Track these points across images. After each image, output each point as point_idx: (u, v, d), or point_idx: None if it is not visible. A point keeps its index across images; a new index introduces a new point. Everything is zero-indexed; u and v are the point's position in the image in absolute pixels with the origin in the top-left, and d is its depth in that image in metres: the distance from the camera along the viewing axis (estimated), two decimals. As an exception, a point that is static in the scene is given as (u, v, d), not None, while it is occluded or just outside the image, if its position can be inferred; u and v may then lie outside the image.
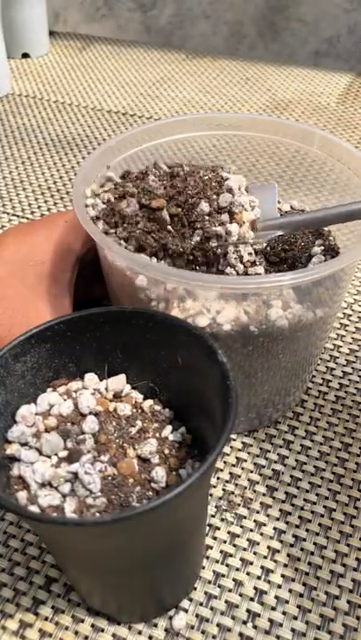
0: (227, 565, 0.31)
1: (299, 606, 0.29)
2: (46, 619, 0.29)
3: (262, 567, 0.31)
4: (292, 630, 0.28)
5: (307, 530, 0.32)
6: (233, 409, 0.23)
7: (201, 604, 0.29)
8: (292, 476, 0.35)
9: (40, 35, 0.86)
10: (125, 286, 0.32)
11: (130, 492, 0.24)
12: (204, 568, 0.30)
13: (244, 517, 0.33)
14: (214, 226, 0.31)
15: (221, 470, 0.35)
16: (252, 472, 0.35)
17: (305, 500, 0.34)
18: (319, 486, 0.34)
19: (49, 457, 0.26)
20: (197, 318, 0.30)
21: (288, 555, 0.31)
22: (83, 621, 0.29)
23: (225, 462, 0.35)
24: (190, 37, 1.00)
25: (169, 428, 0.28)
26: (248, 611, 0.29)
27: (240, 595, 0.30)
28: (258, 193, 0.34)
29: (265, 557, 0.31)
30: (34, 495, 0.24)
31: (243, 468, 0.35)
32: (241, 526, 0.32)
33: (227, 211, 0.32)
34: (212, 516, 0.33)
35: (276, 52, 0.96)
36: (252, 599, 0.29)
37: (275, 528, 0.32)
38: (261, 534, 0.32)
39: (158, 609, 0.29)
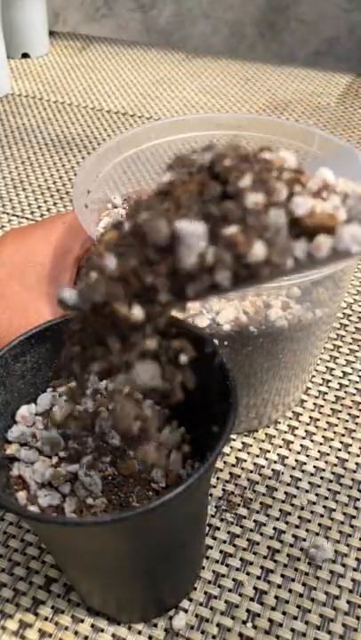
0: (227, 565, 0.31)
1: (299, 606, 0.29)
2: (46, 619, 0.29)
3: (262, 567, 0.31)
4: (292, 630, 0.28)
5: (307, 530, 0.32)
6: (233, 409, 0.23)
7: (201, 604, 0.29)
8: (292, 476, 0.35)
9: (40, 35, 0.86)
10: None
11: (130, 492, 0.25)
12: (204, 568, 0.30)
13: (244, 517, 0.33)
14: None
15: (221, 470, 0.35)
16: (252, 472, 0.35)
17: (305, 500, 0.34)
18: (319, 486, 0.34)
19: (49, 457, 0.26)
20: (197, 318, 0.30)
21: (288, 555, 0.31)
22: (82, 621, 0.29)
23: (225, 462, 0.35)
24: (190, 37, 1.00)
25: (168, 427, 0.27)
26: (248, 611, 0.29)
27: (240, 595, 0.30)
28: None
29: (265, 557, 0.31)
30: (33, 495, 0.24)
31: (243, 468, 0.35)
32: (241, 526, 0.32)
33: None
34: (212, 516, 0.33)
35: (276, 52, 0.96)
36: (252, 599, 0.29)
37: (275, 528, 0.32)
38: (261, 534, 0.32)
39: (158, 609, 0.29)
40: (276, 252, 0.17)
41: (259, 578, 0.30)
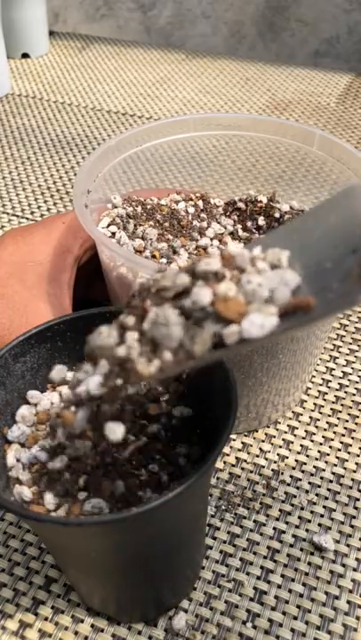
0: (227, 565, 0.31)
1: (299, 606, 0.29)
2: (46, 619, 0.29)
3: (262, 567, 0.31)
4: (292, 630, 0.28)
5: (307, 530, 0.32)
6: (233, 409, 0.23)
7: (201, 604, 0.29)
8: (291, 477, 0.35)
9: (40, 35, 0.86)
10: (125, 286, 0.32)
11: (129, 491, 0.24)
12: (203, 568, 0.30)
13: (244, 517, 0.33)
14: None
15: (221, 470, 0.35)
16: (251, 472, 0.35)
17: (305, 500, 0.34)
18: (319, 486, 0.34)
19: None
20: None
21: (288, 555, 0.31)
22: (82, 621, 0.29)
23: (225, 462, 0.35)
24: (190, 37, 1.00)
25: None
26: (248, 611, 0.29)
27: (240, 595, 0.30)
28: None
29: (265, 557, 0.31)
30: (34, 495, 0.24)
31: (243, 468, 0.35)
32: (241, 526, 0.32)
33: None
34: (212, 516, 0.33)
35: (275, 52, 0.96)
36: (252, 599, 0.29)
37: (275, 528, 0.32)
38: (261, 534, 0.32)
39: (158, 609, 0.29)
40: (190, 344, 0.18)
41: (259, 578, 0.30)
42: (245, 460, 0.35)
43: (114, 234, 0.34)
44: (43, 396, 0.27)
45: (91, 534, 0.22)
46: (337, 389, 0.40)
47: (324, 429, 0.37)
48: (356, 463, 0.35)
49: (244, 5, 0.93)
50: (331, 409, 0.39)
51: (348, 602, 0.29)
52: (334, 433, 0.37)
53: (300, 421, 0.38)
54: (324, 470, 0.35)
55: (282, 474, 0.35)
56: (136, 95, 0.77)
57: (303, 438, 0.37)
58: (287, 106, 0.75)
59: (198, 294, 0.18)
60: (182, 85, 0.80)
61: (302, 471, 0.35)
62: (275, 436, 0.37)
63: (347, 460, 0.36)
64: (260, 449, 0.36)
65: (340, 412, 0.38)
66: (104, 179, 0.37)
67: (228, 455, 0.36)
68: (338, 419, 0.38)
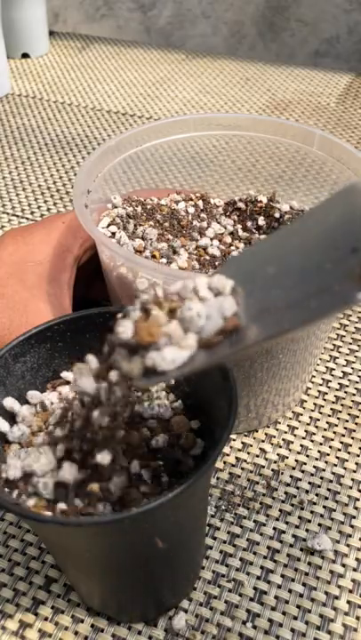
0: (227, 565, 0.31)
1: (299, 606, 0.29)
2: (46, 619, 0.29)
3: (262, 567, 0.31)
4: (292, 630, 0.28)
5: (307, 530, 0.32)
6: (233, 409, 0.23)
7: (201, 604, 0.29)
8: (292, 476, 0.35)
9: (40, 35, 0.86)
10: (125, 286, 0.32)
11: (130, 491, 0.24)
12: (203, 568, 0.30)
13: (244, 517, 0.33)
14: None
15: (221, 470, 0.35)
16: (251, 472, 0.35)
17: (305, 500, 0.34)
18: (319, 486, 0.34)
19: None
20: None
21: (288, 555, 0.31)
22: (82, 621, 0.29)
23: (225, 462, 0.35)
24: (190, 37, 1.00)
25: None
26: (248, 611, 0.29)
27: (240, 595, 0.30)
28: None
29: (265, 557, 0.31)
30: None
31: (243, 468, 0.35)
32: (241, 526, 0.32)
33: None
34: (212, 516, 0.33)
35: (275, 52, 0.96)
36: (252, 599, 0.29)
37: (275, 528, 0.32)
38: (261, 534, 0.32)
39: (158, 609, 0.29)
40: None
41: (259, 578, 0.30)
42: (245, 460, 0.35)
43: (114, 234, 0.34)
44: (43, 396, 0.27)
45: (91, 534, 0.22)
46: (337, 389, 0.40)
47: (324, 429, 0.37)
48: (357, 463, 0.35)
49: (244, 5, 0.93)
50: (331, 409, 0.39)
51: (348, 602, 0.29)
52: (334, 433, 0.37)
53: (300, 421, 0.38)
54: (324, 470, 0.35)
55: (282, 474, 0.35)
56: (136, 95, 0.77)
57: (303, 438, 0.37)
58: (287, 106, 0.75)
59: (118, 328, 0.19)
60: (182, 85, 0.80)
61: (302, 471, 0.35)
62: (275, 436, 0.37)
63: (347, 460, 0.36)
64: (260, 449, 0.36)
65: (341, 412, 0.38)
66: (104, 179, 0.37)
67: (228, 455, 0.36)
68: (338, 419, 0.38)
